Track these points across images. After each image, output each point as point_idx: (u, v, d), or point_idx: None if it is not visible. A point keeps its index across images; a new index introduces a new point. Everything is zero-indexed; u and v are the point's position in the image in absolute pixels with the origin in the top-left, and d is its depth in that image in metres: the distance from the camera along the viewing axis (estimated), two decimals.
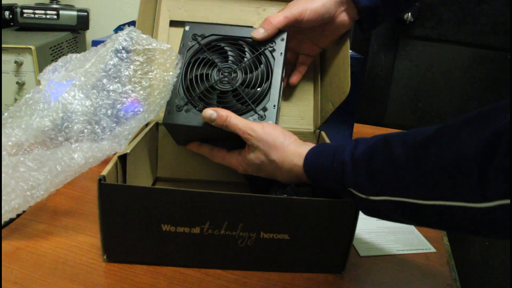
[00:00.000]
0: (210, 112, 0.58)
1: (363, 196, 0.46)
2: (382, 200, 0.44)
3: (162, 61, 0.60)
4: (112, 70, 0.58)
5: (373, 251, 0.62)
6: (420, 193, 0.40)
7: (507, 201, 0.33)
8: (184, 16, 0.76)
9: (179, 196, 0.51)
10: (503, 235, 0.37)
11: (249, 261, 0.55)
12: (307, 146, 0.55)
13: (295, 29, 0.66)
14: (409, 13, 1.22)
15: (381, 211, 0.46)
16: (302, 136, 0.73)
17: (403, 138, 0.43)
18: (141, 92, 0.59)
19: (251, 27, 0.67)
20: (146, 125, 0.70)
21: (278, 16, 0.62)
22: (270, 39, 0.64)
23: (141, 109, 0.58)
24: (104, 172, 0.51)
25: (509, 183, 0.32)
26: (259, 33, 0.63)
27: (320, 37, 0.68)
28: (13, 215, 0.53)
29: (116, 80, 0.58)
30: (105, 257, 0.55)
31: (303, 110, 0.75)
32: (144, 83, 0.59)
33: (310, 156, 0.53)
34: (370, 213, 0.48)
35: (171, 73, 0.61)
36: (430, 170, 0.39)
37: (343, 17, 0.64)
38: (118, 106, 0.58)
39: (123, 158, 0.57)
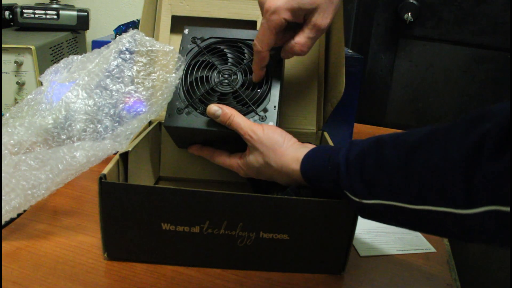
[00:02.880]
0: (215, 108, 0.58)
1: (357, 199, 0.45)
2: (374, 204, 0.43)
3: (165, 63, 0.61)
4: (115, 70, 0.58)
5: (373, 251, 0.62)
6: (409, 197, 0.39)
7: (494, 207, 0.31)
8: (185, 10, 0.75)
9: (178, 195, 0.51)
10: (493, 243, 0.35)
11: (248, 261, 0.55)
12: (305, 149, 0.54)
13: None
14: (409, 13, 1.22)
15: (375, 215, 0.45)
16: (305, 136, 0.73)
17: (395, 141, 0.42)
18: (144, 92, 0.59)
19: (250, 29, 0.67)
20: (149, 124, 0.70)
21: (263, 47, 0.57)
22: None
23: (144, 109, 0.59)
24: (105, 170, 0.51)
25: (499, 188, 0.30)
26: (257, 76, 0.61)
27: None
28: (14, 215, 0.54)
29: (119, 80, 0.58)
30: (105, 255, 0.55)
31: (306, 110, 0.74)
32: (147, 83, 0.59)
33: (306, 160, 0.52)
34: (365, 216, 0.48)
35: (173, 74, 0.61)
36: (418, 174, 0.38)
37: None
38: (121, 106, 0.58)
39: (124, 156, 0.57)
